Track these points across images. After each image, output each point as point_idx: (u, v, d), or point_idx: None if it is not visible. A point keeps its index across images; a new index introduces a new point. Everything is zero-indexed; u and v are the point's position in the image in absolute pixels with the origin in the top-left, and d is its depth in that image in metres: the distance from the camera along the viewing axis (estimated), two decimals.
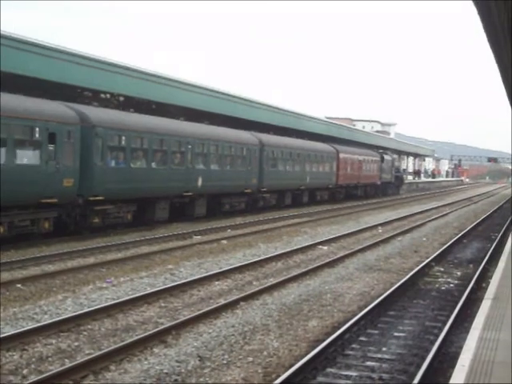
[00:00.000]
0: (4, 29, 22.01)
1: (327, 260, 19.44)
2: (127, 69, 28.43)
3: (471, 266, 19.95)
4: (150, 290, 14.17)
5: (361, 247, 22.57)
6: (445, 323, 12.19)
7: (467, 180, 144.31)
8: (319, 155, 45.81)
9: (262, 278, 16.52)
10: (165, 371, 9.18)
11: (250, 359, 9.90)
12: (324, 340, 10.62)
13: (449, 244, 24.17)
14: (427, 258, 20.54)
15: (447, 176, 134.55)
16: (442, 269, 19.32)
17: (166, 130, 27.49)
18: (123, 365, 9.44)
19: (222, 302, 13.45)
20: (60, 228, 21.84)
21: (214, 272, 16.66)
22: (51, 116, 20.89)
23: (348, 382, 9.16)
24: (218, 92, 36.66)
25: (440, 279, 17.61)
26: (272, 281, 15.95)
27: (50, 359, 9.56)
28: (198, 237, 24.21)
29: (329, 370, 9.56)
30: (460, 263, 20.64)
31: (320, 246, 22.74)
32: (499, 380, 7.34)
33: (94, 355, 9.50)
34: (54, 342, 10.40)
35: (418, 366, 9.57)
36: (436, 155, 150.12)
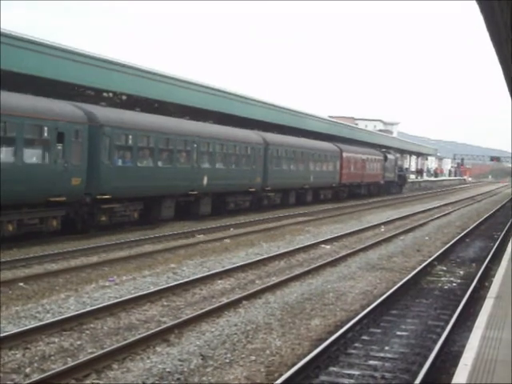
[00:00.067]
0: (3, 28, 22.04)
1: (330, 259, 19.44)
2: (124, 66, 28.44)
3: (474, 265, 19.94)
4: (152, 289, 14.18)
5: (363, 246, 22.56)
6: (447, 322, 12.19)
7: (470, 179, 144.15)
8: (323, 154, 45.84)
9: (265, 277, 16.53)
10: (167, 370, 9.18)
11: (253, 358, 9.90)
12: (327, 339, 10.62)
13: (451, 243, 24.15)
14: (430, 257, 20.53)
15: (450, 175, 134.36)
16: (444, 268, 19.31)
17: (172, 129, 27.67)
18: (126, 363, 9.44)
19: (225, 300, 13.45)
20: (67, 226, 21.99)
21: (217, 271, 16.66)
22: (60, 115, 21.09)
23: (351, 380, 9.16)
24: (224, 92, 36.78)
25: (443, 278, 17.60)
26: (274, 280, 15.95)
27: (52, 358, 9.57)
28: (201, 236, 24.22)
29: (331, 368, 9.56)
30: (463, 262, 20.62)
31: (322, 245, 22.74)
32: (502, 379, 7.33)
33: (96, 354, 9.50)
34: (56, 340, 10.41)
35: (421, 365, 9.57)
36: (439, 154, 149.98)
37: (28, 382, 8.40)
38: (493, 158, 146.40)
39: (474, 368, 7.69)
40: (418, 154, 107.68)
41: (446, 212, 41.19)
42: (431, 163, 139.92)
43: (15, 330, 10.52)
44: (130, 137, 24.72)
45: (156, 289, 14.19)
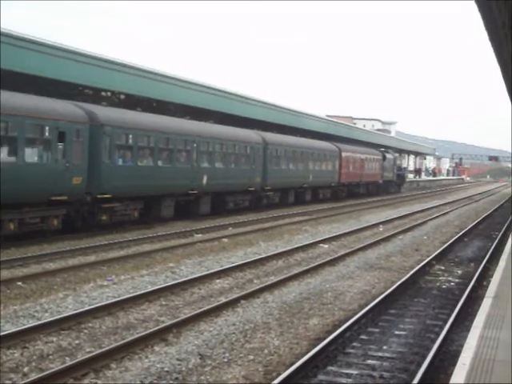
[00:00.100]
0: (4, 28, 22.03)
1: (328, 258, 19.44)
2: (124, 66, 28.45)
3: (472, 264, 19.94)
4: (150, 288, 14.17)
5: (362, 246, 22.56)
6: (446, 322, 12.19)
7: (468, 179, 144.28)
8: (322, 154, 45.89)
9: (263, 276, 16.52)
10: (166, 369, 9.18)
11: (251, 357, 9.90)
12: (325, 338, 10.62)
13: (450, 242, 24.16)
14: (428, 256, 20.53)
15: (448, 174, 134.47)
16: (442, 267, 19.31)
17: (171, 128, 27.76)
18: (124, 363, 9.44)
19: (223, 300, 13.45)
20: (68, 226, 22.05)
21: (215, 270, 16.65)
22: (61, 115, 21.18)
23: (349, 380, 9.16)
24: (224, 92, 36.79)
25: (441, 278, 17.61)
26: (273, 279, 15.95)
27: (50, 357, 9.57)
28: (200, 235, 24.22)
29: (330, 368, 9.56)
30: (461, 262, 20.63)
31: (321, 245, 22.74)
32: (500, 378, 7.34)
33: (94, 353, 9.50)
34: (54, 339, 10.41)
35: (419, 365, 9.57)
36: (437, 154, 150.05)
37: (26, 381, 8.39)
38: (491, 158, 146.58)
39: (472, 368, 7.69)
40: (417, 154, 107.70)
41: (445, 211, 41.22)
42: (429, 163, 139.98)
43: (13, 330, 10.52)
44: (131, 136, 24.81)
45: (154, 288, 14.18)
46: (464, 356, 8.20)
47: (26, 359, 9.42)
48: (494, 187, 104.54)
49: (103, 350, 9.70)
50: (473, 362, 7.92)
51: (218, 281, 15.74)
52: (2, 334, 10.15)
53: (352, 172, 51.96)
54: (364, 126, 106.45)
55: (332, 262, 18.88)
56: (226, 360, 9.73)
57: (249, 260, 18.46)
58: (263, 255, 19.51)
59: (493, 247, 22.77)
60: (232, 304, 13.13)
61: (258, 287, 14.76)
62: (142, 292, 13.71)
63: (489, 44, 18.17)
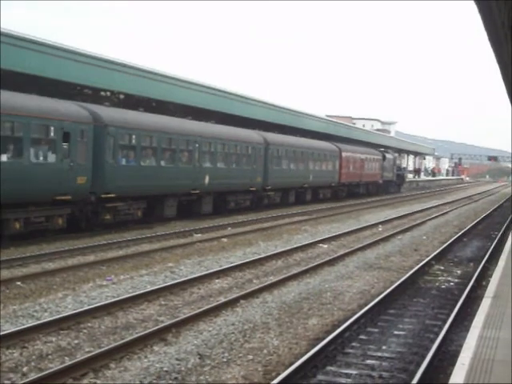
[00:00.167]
0: (4, 28, 22.02)
1: (327, 258, 19.44)
2: (124, 66, 28.46)
3: (471, 264, 19.95)
4: (150, 288, 14.17)
5: (361, 245, 22.56)
6: (445, 321, 12.19)
7: (467, 178, 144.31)
8: (322, 154, 45.94)
9: (262, 276, 16.52)
10: (165, 369, 9.18)
11: (250, 357, 9.90)
12: (324, 338, 10.62)
13: (449, 242, 24.16)
14: (427, 256, 20.54)
15: (447, 174, 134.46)
16: (442, 267, 19.32)
17: (174, 129, 27.88)
18: (123, 363, 9.44)
19: (222, 300, 13.45)
20: (72, 225, 22.14)
21: (214, 270, 16.65)
22: (66, 115, 21.31)
23: (348, 380, 9.16)
24: (225, 92, 36.80)
25: (440, 278, 17.61)
26: (272, 279, 15.95)
27: (49, 357, 9.56)
28: (199, 235, 24.23)
29: (329, 368, 9.56)
30: (460, 262, 20.64)
31: (320, 244, 22.75)
32: (499, 378, 7.34)
33: (93, 353, 9.50)
34: (53, 339, 10.41)
35: (418, 365, 9.58)
36: (436, 154, 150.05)
37: (25, 381, 8.39)
38: (490, 158, 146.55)
39: (472, 367, 7.69)
40: (416, 154, 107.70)
41: (444, 211, 41.23)
42: (429, 163, 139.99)
43: (13, 329, 10.51)
44: (134, 136, 24.94)
45: (153, 288, 14.18)
46: (463, 356, 8.20)
47: (25, 359, 9.42)
48: (494, 187, 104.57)
49: (102, 349, 9.70)
50: (472, 361, 7.92)
51: (217, 281, 15.74)
52: (2, 333, 10.15)
53: (352, 172, 51.98)
54: (364, 125, 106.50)
55: (331, 262, 18.88)
56: (225, 360, 9.73)
57: (248, 260, 18.46)
58: (262, 255, 19.51)
59: (492, 247, 22.77)
60: (231, 304, 13.13)
61: (257, 287, 14.76)
62: (142, 292, 13.71)
63: (488, 44, 18.19)
